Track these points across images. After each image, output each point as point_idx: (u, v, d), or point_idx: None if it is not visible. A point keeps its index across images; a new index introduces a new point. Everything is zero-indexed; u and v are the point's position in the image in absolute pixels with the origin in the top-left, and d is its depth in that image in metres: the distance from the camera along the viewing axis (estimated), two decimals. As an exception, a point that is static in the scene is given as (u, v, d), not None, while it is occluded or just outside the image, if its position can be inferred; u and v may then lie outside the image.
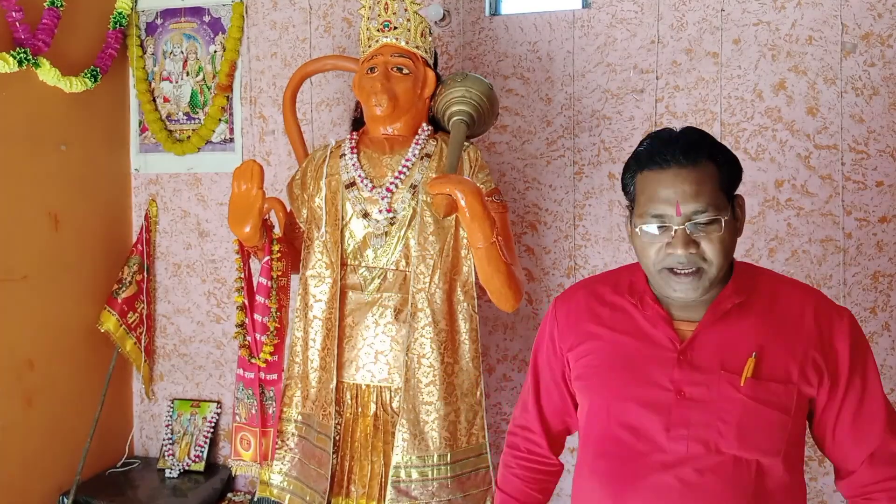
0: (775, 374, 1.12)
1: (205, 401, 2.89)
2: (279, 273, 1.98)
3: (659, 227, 1.12)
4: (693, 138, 1.16)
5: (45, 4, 2.42)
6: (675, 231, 1.10)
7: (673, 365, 1.15)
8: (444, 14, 2.54)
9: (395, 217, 1.91)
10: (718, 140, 1.24)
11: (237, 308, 2.01)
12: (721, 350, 1.14)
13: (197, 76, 2.86)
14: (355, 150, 2.00)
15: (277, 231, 2.09)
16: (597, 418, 1.23)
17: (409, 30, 1.99)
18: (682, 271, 1.12)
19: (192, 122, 2.88)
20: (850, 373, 1.15)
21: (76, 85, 2.56)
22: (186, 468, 2.77)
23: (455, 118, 2.00)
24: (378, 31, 2.00)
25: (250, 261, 2.03)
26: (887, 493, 1.14)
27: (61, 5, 2.45)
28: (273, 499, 1.97)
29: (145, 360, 2.87)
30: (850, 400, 1.15)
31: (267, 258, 1.97)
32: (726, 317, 1.16)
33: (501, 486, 1.42)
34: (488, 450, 1.92)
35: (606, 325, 1.25)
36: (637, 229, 1.15)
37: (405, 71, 1.96)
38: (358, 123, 2.15)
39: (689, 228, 1.10)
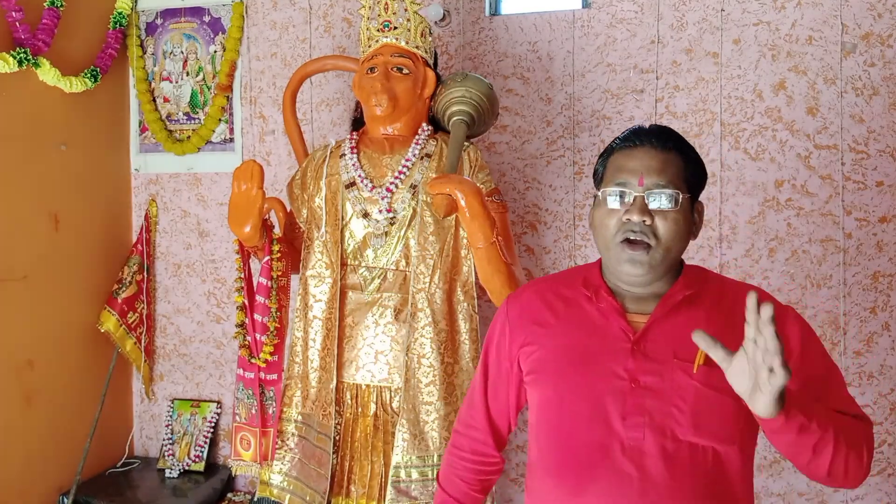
0: None
1: (205, 401, 2.89)
2: (279, 273, 1.98)
3: (620, 194, 1.18)
4: (664, 128, 1.24)
5: (45, 4, 2.42)
6: (635, 198, 1.16)
7: (627, 355, 1.17)
8: (444, 14, 2.54)
9: (395, 217, 1.91)
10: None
11: (237, 308, 2.01)
12: (674, 340, 1.17)
13: (197, 76, 2.86)
14: (355, 150, 2.00)
15: (277, 231, 2.09)
16: (551, 411, 1.24)
17: (409, 30, 1.99)
18: (634, 238, 1.16)
19: (192, 122, 2.88)
20: (802, 355, 1.17)
21: (76, 85, 2.56)
22: (186, 468, 2.77)
23: (455, 118, 2.00)
24: (378, 31, 2.00)
25: (250, 261, 2.03)
26: (829, 411, 1.14)
27: (61, 5, 2.45)
28: (273, 499, 1.97)
29: (145, 360, 2.87)
30: (812, 379, 1.16)
31: (267, 258, 1.97)
32: (677, 309, 1.20)
33: (444, 485, 1.42)
34: (488, 450, 1.92)
35: (560, 319, 1.26)
36: (599, 194, 1.22)
37: (405, 71, 1.96)
38: (358, 123, 2.15)
39: (647, 198, 1.16)
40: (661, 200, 1.16)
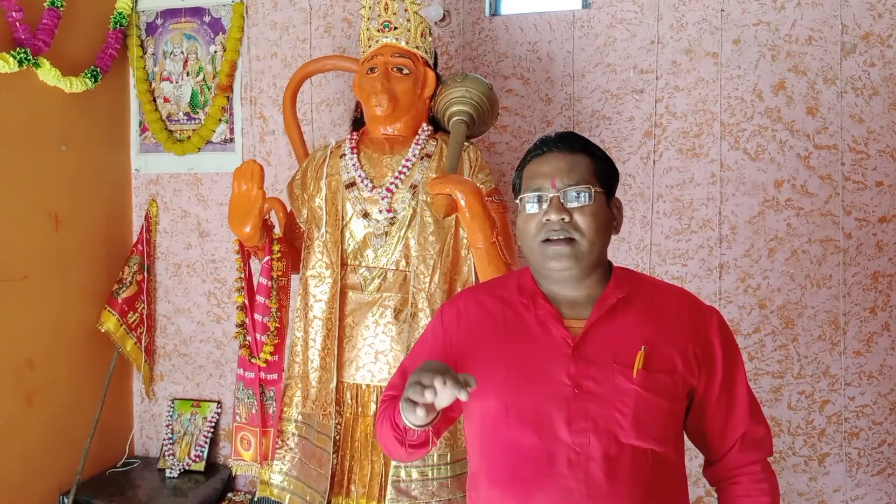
0: (663, 365, 1.19)
1: (205, 401, 2.89)
2: (279, 273, 1.98)
3: (537, 199, 1.24)
4: (569, 133, 1.31)
5: (45, 4, 2.42)
6: (551, 199, 1.22)
7: (568, 360, 1.19)
8: (444, 14, 2.54)
9: (395, 217, 1.92)
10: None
11: (237, 308, 2.01)
12: (612, 344, 1.20)
13: (197, 76, 2.86)
14: (355, 151, 2.00)
15: (278, 231, 2.09)
16: (494, 421, 1.22)
17: (409, 30, 1.99)
18: (555, 237, 1.20)
19: (193, 122, 2.88)
20: (723, 364, 1.24)
21: (76, 85, 2.56)
22: (186, 468, 2.78)
23: (455, 118, 2.00)
24: (378, 31, 2.00)
25: (250, 261, 2.03)
26: (749, 476, 1.25)
27: (61, 5, 2.45)
28: (273, 498, 1.97)
29: (145, 360, 2.87)
30: (724, 389, 1.25)
31: (267, 258, 1.97)
32: (612, 313, 1.22)
33: (381, 428, 1.28)
34: (488, 450, 1.93)
35: (499, 327, 1.27)
36: (518, 201, 1.28)
37: (405, 71, 1.96)
38: (358, 123, 2.15)
39: (562, 197, 1.22)
40: (575, 197, 1.21)
